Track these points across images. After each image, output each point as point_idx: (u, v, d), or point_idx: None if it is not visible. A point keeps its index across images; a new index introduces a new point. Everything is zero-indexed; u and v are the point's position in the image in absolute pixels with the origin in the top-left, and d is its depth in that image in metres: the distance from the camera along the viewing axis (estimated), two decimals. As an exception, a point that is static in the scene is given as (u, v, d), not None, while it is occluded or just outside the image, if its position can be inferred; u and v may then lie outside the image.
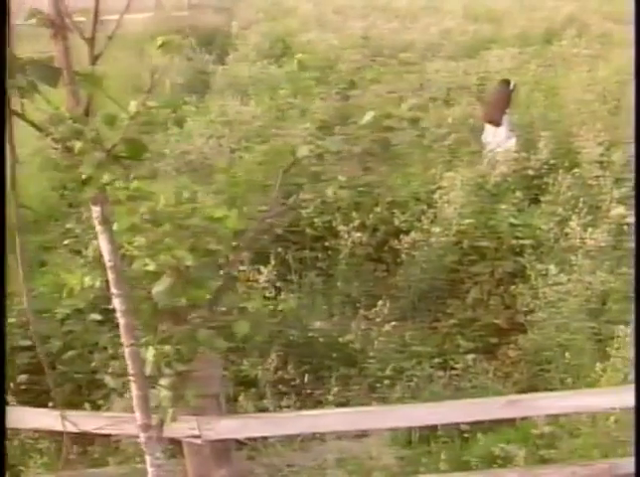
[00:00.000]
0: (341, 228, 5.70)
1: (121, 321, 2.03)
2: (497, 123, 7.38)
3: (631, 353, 4.00)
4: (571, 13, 13.64)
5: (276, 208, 4.13)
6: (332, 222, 5.77)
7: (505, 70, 9.60)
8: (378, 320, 5.64)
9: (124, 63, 11.43)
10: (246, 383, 4.60)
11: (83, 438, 3.77)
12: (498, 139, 7.28)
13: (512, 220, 5.88)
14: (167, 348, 2.09)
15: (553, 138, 6.80)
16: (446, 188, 6.07)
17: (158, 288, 1.88)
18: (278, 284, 5.26)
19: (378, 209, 6.15)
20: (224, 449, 2.97)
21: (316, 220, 5.90)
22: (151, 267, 1.87)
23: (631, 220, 5.54)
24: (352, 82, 8.97)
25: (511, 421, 4.10)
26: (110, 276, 1.95)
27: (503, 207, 5.98)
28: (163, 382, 2.14)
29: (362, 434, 4.24)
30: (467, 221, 5.90)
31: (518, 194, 6.12)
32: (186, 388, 2.16)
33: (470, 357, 5.04)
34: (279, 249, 5.64)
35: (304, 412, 3.33)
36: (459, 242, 5.87)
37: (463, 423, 3.76)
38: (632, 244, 4.59)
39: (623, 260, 5.23)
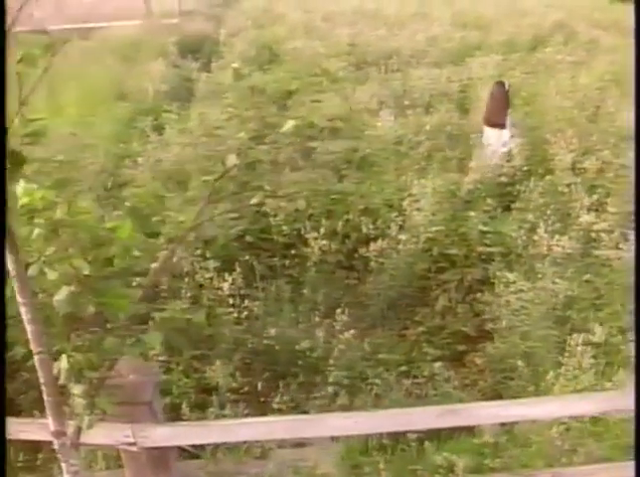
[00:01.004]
0: (310, 235, 5.69)
1: (28, 329, 2.03)
2: (500, 125, 7.33)
3: (586, 360, 4.00)
4: (560, 20, 13.65)
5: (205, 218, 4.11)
6: (301, 229, 5.75)
7: (488, 76, 9.60)
8: (345, 328, 5.65)
9: (109, 70, 11.48)
10: (207, 390, 4.59)
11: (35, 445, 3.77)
12: (502, 140, 7.26)
13: (482, 227, 5.87)
14: (79, 356, 2.08)
15: (528, 145, 6.80)
16: (417, 195, 6.06)
17: (59, 297, 1.88)
18: (243, 292, 5.25)
19: (349, 216, 6.15)
20: (161, 457, 2.97)
21: (285, 227, 5.89)
22: (52, 276, 1.87)
23: (600, 226, 5.54)
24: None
25: (470, 430, 4.09)
26: (15, 285, 1.95)
27: (474, 214, 5.97)
28: (76, 389, 2.13)
29: (308, 443, 4.25)
30: (437, 228, 5.89)
31: (490, 201, 6.11)
32: (100, 395, 2.15)
33: (437, 365, 5.02)
34: (247, 257, 5.64)
35: (246, 420, 3.31)
36: (429, 250, 5.86)
37: (419, 432, 3.74)
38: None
39: (590, 268, 5.23)
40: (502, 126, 7.29)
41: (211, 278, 5.18)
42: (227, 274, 5.18)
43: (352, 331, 5.26)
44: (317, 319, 5.36)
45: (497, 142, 7.27)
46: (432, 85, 9.53)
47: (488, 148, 7.19)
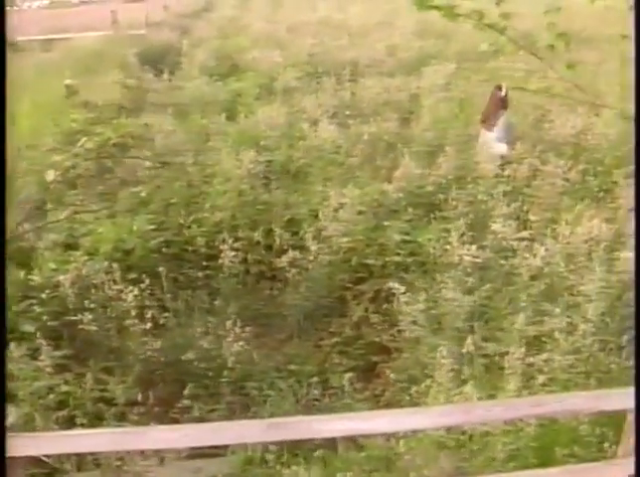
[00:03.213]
0: (225, 246, 5.67)
1: None
2: (490, 127, 7.44)
3: (474, 371, 3.99)
4: (523, 29, 13.66)
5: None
6: (222, 240, 5.73)
7: (437, 86, 9.64)
8: (260, 339, 5.65)
9: (71, 81, 11.48)
10: (106, 401, 4.56)
11: None
12: (493, 142, 7.36)
13: (402, 237, 5.87)
14: None
15: (457, 153, 6.81)
16: (339, 205, 6.07)
17: None
18: (153, 303, 5.24)
19: (271, 227, 6.15)
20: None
21: (203, 238, 5.89)
22: None
23: (521, 235, 5.54)
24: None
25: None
26: None
27: (396, 224, 5.97)
28: None
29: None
30: (358, 238, 5.90)
31: (412, 210, 6.11)
32: None
33: (348, 375, 5.01)
34: (162, 268, 5.62)
35: (100, 430, 3.29)
36: (349, 260, 5.86)
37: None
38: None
39: (499, 278, 5.22)
40: (491, 128, 7.42)
41: (120, 290, 5.16)
42: (138, 285, 5.18)
43: (276, 341, 5.27)
44: (229, 331, 5.34)
45: (488, 143, 7.38)
46: (382, 95, 9.55)
47: (482, 148, 7.33)
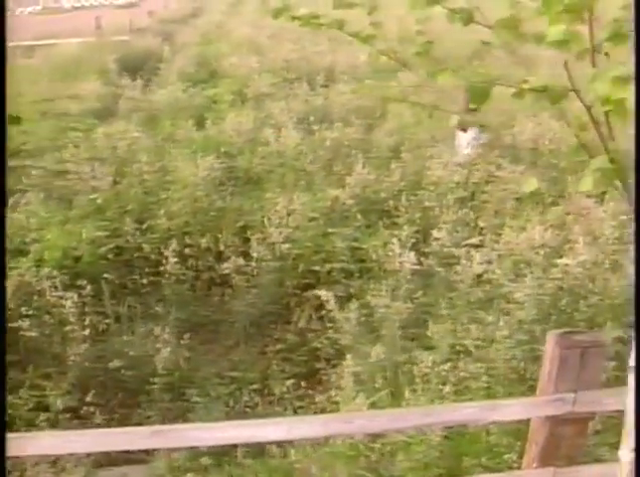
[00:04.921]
0: (172, 252, 5.67)
1: None
2: (463, 129, 7.48)
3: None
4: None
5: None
6: (165, 247, 5.74)
7: (408, 91, 9.60)
8: (206, 345, 5.66)
9: (46, 87, 11.54)
10: (39, 408, 4.57)
11: None
12: (465, 144, 7.41)
13: (351, 243, 5.86)
14: None
15: (412, 160, 6.81)
16: (289, 212, 6.06)
17: None
18: (96, 309, 5.26)
19: (222, 234, 6.15)
20: None
21: (149, 245, 5.90)
22: None
23: (461, 242, 5.52)
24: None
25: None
26: None
27: (344, 230, 5.96)
28: None
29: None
30: (306, 244, 5.89)
31: (362, 217, 6.11)
32: None
33: (289, 382, 5.01)
34: (108, 275, 5.64)
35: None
36: (296, 267, 5.86)
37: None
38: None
39: (439, 285, 5.21)
40: (464, 130, 7.45)
41: (61, 297, 5.16)
42: (78, 292, 5.19)
43: (212, 347, 5.27)
44: (173, 337, 5.34)
45: (462, 144, 7.44)
46: (353, 101, 9.54)
47: (458, 149, 7.39)
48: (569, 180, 6.37)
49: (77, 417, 4.61)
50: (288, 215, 6.00)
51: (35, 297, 5.20)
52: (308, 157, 7.49)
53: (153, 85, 11.51)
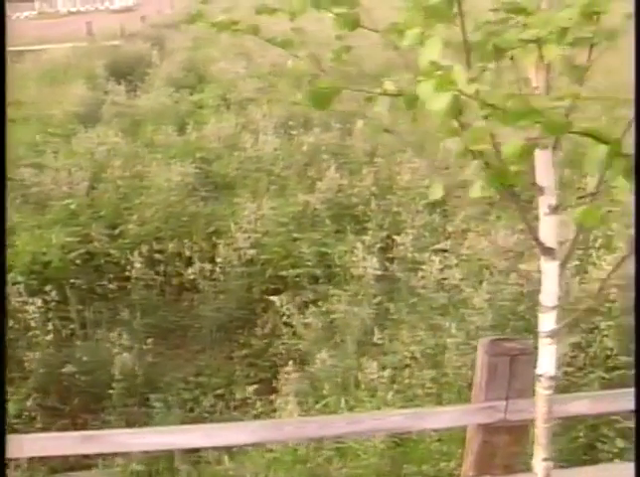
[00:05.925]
0: (140, 258, 5.68)
1: None
2: None
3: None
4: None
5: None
6: (131, 253, 5.75)
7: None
8: (174, 350, 5.67)
9: (34, 92, 11.57)
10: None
11: None
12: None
13: (319, 248, 5.87)
14: None
15: (384, 165, 6.81)
16: (261, 217, 6.07)
17: None
18: (59, 314, 5.27)
19: (193, 239, 6.16)
20: None
21: (119, 251, 5.92)
22: None
23: (425, 247, 5.52)
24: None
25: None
26: None
27: (313, 235, 5.97)
28: None
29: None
30: (275, 249, 5.90)
31: (331, 222, 6.11)
32: None
33: (252, 388, 5.01)
34: (75, 280, 5.65)
35: None
36: (264, 272, 5.87)
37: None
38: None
39: (401, 291, 5.21)
40: None
41: (24, 302, 5.18)
42: (42, 297, 5.20)
43: (179, 352, 5.28)
44: (139, 343, 5.35)
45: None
46: (335, 105, 9.51)
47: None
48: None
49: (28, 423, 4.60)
50: (256, 220, 6.00)
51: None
52: (284, 162, 7.50)
53: (139, 91, 11.52)
